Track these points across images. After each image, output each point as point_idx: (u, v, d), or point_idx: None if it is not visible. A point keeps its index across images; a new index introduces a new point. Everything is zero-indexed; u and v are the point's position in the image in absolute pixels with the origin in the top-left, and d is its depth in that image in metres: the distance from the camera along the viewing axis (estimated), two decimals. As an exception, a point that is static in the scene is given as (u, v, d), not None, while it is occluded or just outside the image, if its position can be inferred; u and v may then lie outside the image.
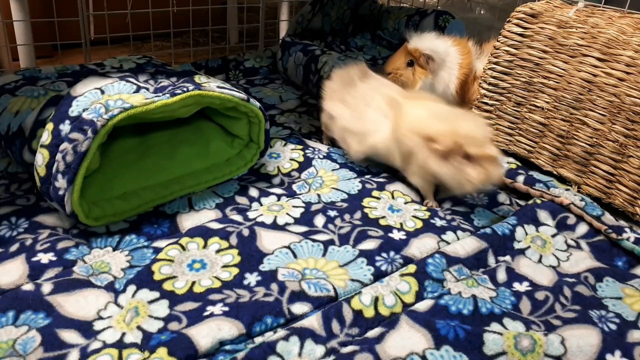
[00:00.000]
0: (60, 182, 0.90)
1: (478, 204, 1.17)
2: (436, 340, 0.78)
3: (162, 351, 0.72)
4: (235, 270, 0.90)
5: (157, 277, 0.87)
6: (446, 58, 1.42)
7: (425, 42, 1.41)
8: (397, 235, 1.02)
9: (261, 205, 1.10)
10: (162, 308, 0.81)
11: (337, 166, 1.25)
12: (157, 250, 0.93)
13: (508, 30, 1.30)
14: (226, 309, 0.81)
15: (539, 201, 1.13)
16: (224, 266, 0.91)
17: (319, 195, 1.12)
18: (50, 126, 0.94)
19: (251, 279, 0.89)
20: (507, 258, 1.00)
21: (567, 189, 1.15)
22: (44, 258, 0.89)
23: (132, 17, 1.80)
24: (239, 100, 1.07)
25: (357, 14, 2.12)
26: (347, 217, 1.06)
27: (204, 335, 0.75)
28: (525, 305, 0.88)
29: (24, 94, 1.09)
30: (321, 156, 1.27)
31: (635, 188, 1.12)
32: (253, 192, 1.13)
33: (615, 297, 0.91)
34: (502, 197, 1.20)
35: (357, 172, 1.24)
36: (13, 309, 0.78)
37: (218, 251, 0.94)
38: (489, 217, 1.12)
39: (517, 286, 0.93)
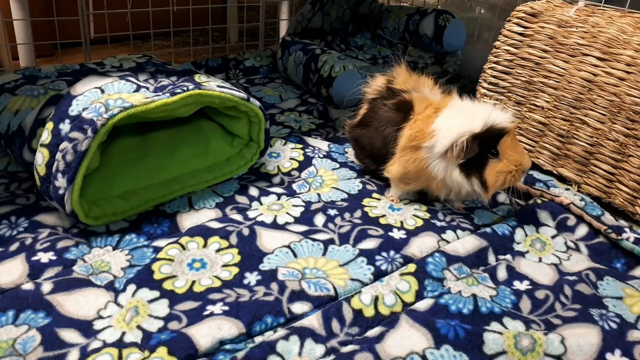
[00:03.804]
0: (60, 181, 0.90)
1: (478, 204, 1.17)
2: (436, 340, 0.78)
3: (162, 350, 0.72)
4: (235, 270, 0.90)
5: (157, 276, 0.87)
6: None
7: (486, 112, 0.99)
8: (397, 234, 1.02)
9: (261, 204, 1.10)
10: (162, 307, 0.81)
11: (337, 165, 1.25)
12: (157, 250, 0.93)
13: (508, 30, 1.30)
14: (226, 308, 0.81)
15: (539, 201, 1.13)
16: (224, 265, 0.91)
17: (319, 195, 1.12)
18: (50, 125, 0.94)
19: (251, 278, 0.89)
20: (508, 257, 1.00)
21: (567, 189, 1.15)
22: (44, 257, 0.89)
23: (132, 16, 1.80)
24: (239, 100, 1.07)
25: (357, 13, 2.12)
26: (347, 216, 1.06)
27: (204, 334, 0.75)
28: (526, 304, 0.88)
29: (24, 93, 1.09)
30: (321, 155, 1.27)
31: (636, 187, 1.12)
32: (253, 192, 1.13)
33: (616, 297, 0.91)
34: (502, 197, 1.20)
35: (357, 172, 1.24)
36: (13, 308, 0.78)
37: (218, 250, 0.93)
38: (489, 217, 1.12)
39: (518, 285, 0.93)
